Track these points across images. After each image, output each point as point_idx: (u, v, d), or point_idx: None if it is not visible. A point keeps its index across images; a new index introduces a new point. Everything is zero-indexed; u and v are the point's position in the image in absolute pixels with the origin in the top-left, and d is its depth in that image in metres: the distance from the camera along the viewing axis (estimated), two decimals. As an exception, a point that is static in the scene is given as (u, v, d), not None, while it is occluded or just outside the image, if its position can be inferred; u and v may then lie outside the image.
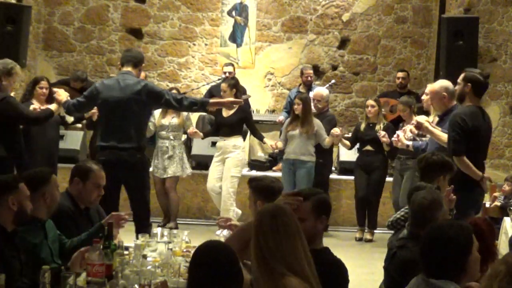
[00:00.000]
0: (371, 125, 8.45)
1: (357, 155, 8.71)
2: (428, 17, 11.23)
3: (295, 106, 8.28)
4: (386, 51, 11.36)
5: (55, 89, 6.47)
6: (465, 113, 5.37)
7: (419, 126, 5.76)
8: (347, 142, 8.39)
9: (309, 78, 9.95)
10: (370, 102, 8.54)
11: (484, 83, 5.60)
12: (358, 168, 8.55)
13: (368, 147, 8.45)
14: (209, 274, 2.67)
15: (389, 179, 8.63)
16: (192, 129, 8.38)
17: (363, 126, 8.50)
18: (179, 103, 5.80)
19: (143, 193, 5.87)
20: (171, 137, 8.51)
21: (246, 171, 9.31)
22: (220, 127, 8.39)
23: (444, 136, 5.64)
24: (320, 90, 8.88)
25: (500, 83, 9.29)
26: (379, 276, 4.24)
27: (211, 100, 6.15)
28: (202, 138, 8.65)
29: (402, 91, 9.73)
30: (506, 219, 7.05)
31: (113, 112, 5.71)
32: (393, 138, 6.82)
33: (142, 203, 5.84)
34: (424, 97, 6.94)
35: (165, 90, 5.99)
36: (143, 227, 5.38)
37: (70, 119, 7.76)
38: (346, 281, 3.37)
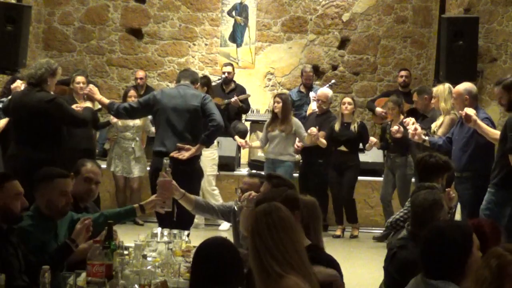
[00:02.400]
0: (345, 124, 8.43)
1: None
2: (428, 17, 11.23)
3: (275, 105, 8.31)
4: (386, 51, 11.36)
5: (90, 86, 6.31)
6: None
7: (467, 118, 5.77)
8: (324, 141, 8.35)
9: (308, 80, 9.96)
10: (347, 99, 8.54)
11: None
12: (331, 168, 8.54)
13: (343, 148, 8.44)
14: (213, 268, 2.65)
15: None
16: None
17: (337, 126, 8.43)
18: (208, 128, 5.92)
19: None
20: (137, 138, 8.51)
21: (246, 171, 9.31)
22: None
23: (491, 131, 5.80)
24: (325, 91, 8.84)
25: (500, 83, 9.27)
26: (379, 276, 4.24)
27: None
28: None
29: (404, 90, 9.73)
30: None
31: (172, 119, 5.89)
32: (410, 130, 6.67)
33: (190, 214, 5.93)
34: (432, 100, 6.96)
35: (216, 113, 5.95)
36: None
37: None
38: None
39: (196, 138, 5.98)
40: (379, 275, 4.37)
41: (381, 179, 9.00)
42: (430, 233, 2.99)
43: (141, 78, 10.33)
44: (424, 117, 7.64)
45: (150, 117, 8.42)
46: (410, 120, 7.06)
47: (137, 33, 11.41)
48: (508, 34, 9.15)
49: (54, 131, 5.90)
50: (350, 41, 11.36)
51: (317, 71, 11.22)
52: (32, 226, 3.78)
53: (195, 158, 5.97)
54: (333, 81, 10.48)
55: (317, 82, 10.96)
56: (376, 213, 8.75)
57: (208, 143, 6.13)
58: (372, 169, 9.02)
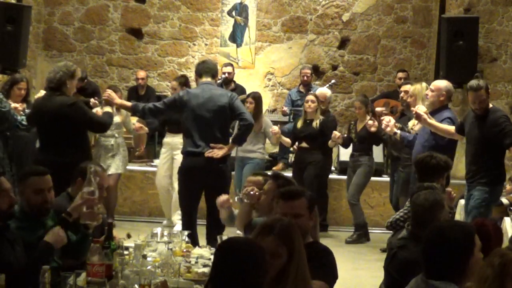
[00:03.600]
0: (308, 121, 8.39)
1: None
2: (428, 17, 11.23)
3: (247, 105, 8.30)
4: (386, 51, 11.36)
5: (108, 91, 6.28)
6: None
7: (418, 116, 5.94)
8: (288, 140, 8.41)
9: (305, 78, 9.96)
10: (310, 97, 8.45)
11: None
12: (294, 165, 8.54)
13: (303, 144, 8.42)
14: (237, 265, 2.54)
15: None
16: (137, 124, 8.29)
17: (300, 123, 8.44)
18: (239, 128, 6.21)
19: None
20: (116, 135, 8.44)
21: (246, 171, 9.31)
22: (167, 123, 8.32)
23: (443, 127, 6.00)
24: (323, 91, 8.85)
25: (500, 83, 9.28)
26: (379, 276, 4.24)
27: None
28: (148, 133, 8.71)
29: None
30: (506, 219, 7.04)
31: (202, 119, 5.95)
32: (384, 121, 6.74)
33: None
34: (409, 99, 6.99)
35: (246, 112, 6.13)
36: (218, 229, 5.65)
37: None
38: (334, 266, 3.45)
39: (226, 137, 6.10)
40: (379, 275, 4.37)
41: (381, 179, 9.02)
42: (432, 233, 2.97)
43: (142, 78, 10.32)
44: (403, 115, 7.73)
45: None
46: (390, 121, 7.17)
47: (137, 33, 11.41)
48: (508, 34, 9.15)
49: (76, 135, 5.87)
50: (350, 41, 11.36)
51: (317, 71, 11.22)
52: (18, 228, 3.72)
53: (227, 156, 6.06)
54: (333, 81, 10.48)
55: (317, 82, 10.96)
56: (376, 213, 8.75)
57: (240, 142, 6.29)
58: (372, 169, 9.01)
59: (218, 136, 5.97)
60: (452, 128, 6.06)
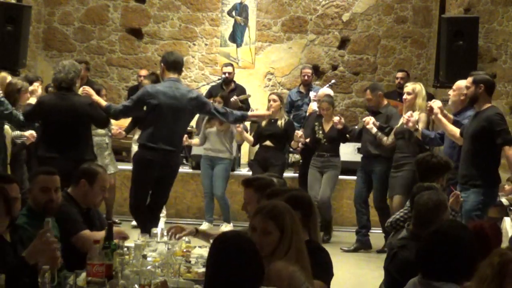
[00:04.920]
0: (272, 120, 8.35)
1: (357, 155, 8.71)
2: (428, 17, 11.24)
3: (216, 104, 8.28)
4: (386, 51, 11.36)
5: (85, 88, 6.39)
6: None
7: (431, 110, 5.94)
8: (250, 138, 8.45)
9: (306, 78, 9.94)
10: (273, 96, 8.41)
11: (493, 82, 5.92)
12: (255, 163, 8.49)
13: (267, 143, 8.38)
14: (231, 260, 2.53)
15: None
16: (115, 129, 8.27)
17: (264, 122, 8.41)
18: (224, 116, 6.41)
19: (169, 191, 6.42)
20: (109, 133, 8.44)
21: (246, 171, 9.30)
22: (140, 121, 8.32)
23: (450, 127, 5.94)
24: (325, 91, 8.84)
25: (500, 83, 9.27)
26: (379, 276, 4.24)
27: (250, 113, 6.84)
28: (125, 136, 8.74)
29: (401, 91, 9.72)
30: (506, 219, 7.05)
31: (166, 117, 6.05)
32: (406, 115, 6.61)
33: (166, 198, 6.45)
34: (406, 96, 7.09)
35: (210, 102, 6.42)
36: (156, 218, 6.18)
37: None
38: (329, 264, 3.42)
39: (183, 136, 6.48)
40: (378, 275, 4.37)
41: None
42: (434, 233, 2.96)
43: (144, 76, 10.32)
44: (378, 113, 7.80)
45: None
46: (371, 120, 7.44)
47: (137, 33, 11.42)
48: (508, 34, 9.15)
49: (89, 132, 6.19)
50: (350, 41, 11.36)
51: (317, 71, 11.22)
52: (27, 224, 3.78)
53: (179, 151, 6.41)
54: (333, 81, 10.47)
55: (317, 82, 10.96)
56: (375, 213, 8.70)
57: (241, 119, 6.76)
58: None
59: (176, 136, 6.17)
60: (458, 131, 5.88)
